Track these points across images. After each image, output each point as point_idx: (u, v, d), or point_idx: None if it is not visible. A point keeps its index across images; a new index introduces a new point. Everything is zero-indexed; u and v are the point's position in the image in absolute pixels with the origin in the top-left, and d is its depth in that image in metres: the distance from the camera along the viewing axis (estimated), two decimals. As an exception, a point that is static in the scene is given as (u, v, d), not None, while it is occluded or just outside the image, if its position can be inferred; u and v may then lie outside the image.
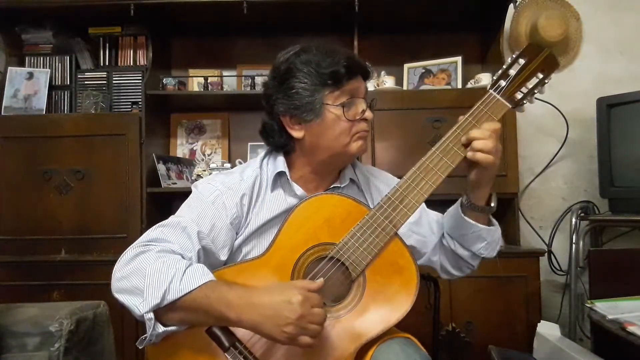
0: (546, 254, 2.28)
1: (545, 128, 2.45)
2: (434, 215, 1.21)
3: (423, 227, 1.17)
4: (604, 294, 1.57)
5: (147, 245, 0.95)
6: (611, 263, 1.71)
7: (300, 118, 1.05)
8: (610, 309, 1.44)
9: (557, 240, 2.39)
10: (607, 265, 1.70)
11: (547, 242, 2.38)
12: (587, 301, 1.54)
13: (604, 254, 1.98)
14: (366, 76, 1.10)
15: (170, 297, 0.86)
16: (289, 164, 1.11)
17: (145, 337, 0.89)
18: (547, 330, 1.77)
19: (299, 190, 1.09)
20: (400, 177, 1.00)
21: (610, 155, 2.11)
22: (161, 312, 0.88)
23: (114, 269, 0.93)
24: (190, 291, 0.87)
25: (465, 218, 1.07)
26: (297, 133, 1.07)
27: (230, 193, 1.05)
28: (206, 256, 1.01)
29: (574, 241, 2.27)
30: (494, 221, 1.12)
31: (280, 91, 1.06)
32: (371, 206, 1.02)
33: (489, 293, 1.95)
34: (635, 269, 1.63)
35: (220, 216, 1.03)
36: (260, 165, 1.12)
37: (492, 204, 1.06)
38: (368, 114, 1.06)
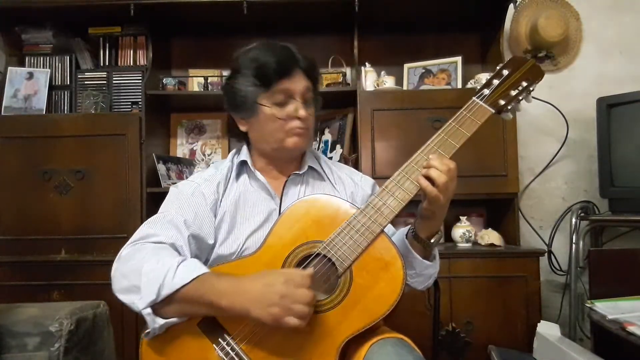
0: (546, 254, 2.28)
1: (545, 128, 2.45)
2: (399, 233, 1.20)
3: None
4: (604, 294, 1.57)
5: (139, 243, 1.00)
6: (611, 263, 1.71)
7: (240, 115, 1.15)
8: (610, 309, 1.44)
9: (557, 240, 2.39)
10: (607, 265, 1.70)
11: (547, 242, 2.38)
12: (587, 301, 1.54)
13: (604, 254, 1.98)
14: (309, 72, 1.12)
15: (165, 293, 0.91)
16: (252, 155, 1.20)
17: (149, 332, 0.94)
18: (547, 330, 1.77)
19: (260, 177, 1.15)
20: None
21: (610, 155, 2.11)
22: (158, 306, 0.92)
23: (112, 269, 0.98)
24: (183, 285, 0.90)
25: (405, 240, 1.08)
26: (242, 127, 1.18)
27: (207, 184, 1.14)
28: (197, 242, 1.07)
29: (574, 241, 2.27)
30: (436, 260, 1.12)
31: (226, 89, 1.16)
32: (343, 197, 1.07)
33: (489, 293, 1.95)
34: (635, 269, 1.63)
35: (201, 204, 1.10)
36: (232, 159, 1.21)
37: (432, 240, 1.06)
38: (301, 113, 1.09)
